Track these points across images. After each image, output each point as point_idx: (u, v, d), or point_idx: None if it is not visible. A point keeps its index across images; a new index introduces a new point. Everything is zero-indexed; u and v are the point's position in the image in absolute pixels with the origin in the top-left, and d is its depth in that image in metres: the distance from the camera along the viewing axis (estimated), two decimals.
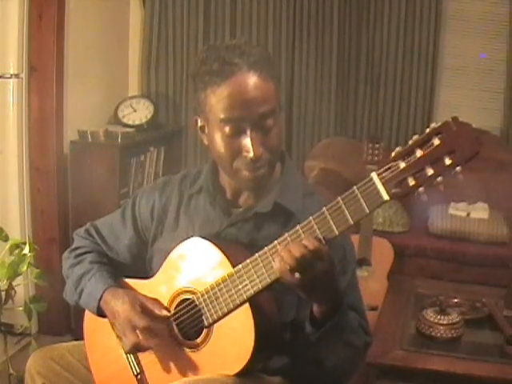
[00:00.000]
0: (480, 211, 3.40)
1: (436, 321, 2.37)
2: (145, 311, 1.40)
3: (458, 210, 3.41)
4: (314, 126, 3.90)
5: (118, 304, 1.43)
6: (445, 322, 2.36)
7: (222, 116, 1.34)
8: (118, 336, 1.45)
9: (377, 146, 2.85)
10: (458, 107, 3.85)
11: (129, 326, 1.39)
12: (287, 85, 3.86)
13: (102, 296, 1.47)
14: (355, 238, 2.76)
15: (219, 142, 1.37)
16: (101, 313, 1.49)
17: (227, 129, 1.35)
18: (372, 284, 2.77)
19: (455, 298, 2.64)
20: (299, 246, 1.19)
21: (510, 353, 2.26)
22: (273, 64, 1.41)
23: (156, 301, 1.43)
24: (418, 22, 3.70)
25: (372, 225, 2.96)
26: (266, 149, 1.36)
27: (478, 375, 2.18)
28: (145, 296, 1.45)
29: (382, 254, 2.99)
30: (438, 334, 2.35)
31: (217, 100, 1.34)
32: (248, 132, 1.34)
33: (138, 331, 1.38)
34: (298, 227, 1.23)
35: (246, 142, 1.34)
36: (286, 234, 1.24)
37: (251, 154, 1.33)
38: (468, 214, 3.40)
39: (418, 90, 3.78)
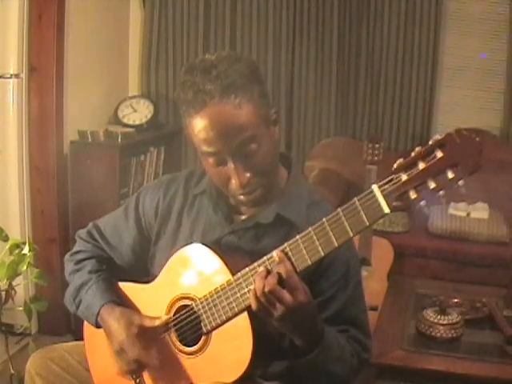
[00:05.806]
0: (480, 211, 3.40)
1: (436, 321, 2.37)
2: (140, 336, 1.39)
3: (457, 210, 3.41)
4: (314, 126, 3.90)
5: (113, 325, 1.43)
6: (445, 322, 2.36)
7: (202, 149, 1.33)
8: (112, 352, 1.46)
9: (377, 146, 2.84)
10: (458, 107, 3.86)
11: (121, 351, 1.41)
12: (287, 85, 3.86)
13: (99, 312, 1.46)
14: (355, 238, 2.74)
15: (209, 169, 1.38)
16: (99, 326, 1.48)
17: (210, 160, 1.34)
18: (372, 284, 2.77)
19: (455, 298, 2.64)
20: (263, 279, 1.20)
21: (510, 353, 2.26)
22: (257, 79, 1.32)
23: (153, 320, 1.41)
24: (418, 22, 3.70)
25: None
26: (254, 172, 1.32)
27: (477, 375, 2.18)
28: (141, 316, 1.43)
29: (382, 253, 2.98)
30: (438, 334, 2.35)
31: (194, 132, 1.32)
32: (229, 162, 1.32)
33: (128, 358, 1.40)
34: (297, 237, 1.22)
35: (230, 171, 1.32)
36: (286, 244, 1.23)
37: (237, 183, 1.32)
38: (468, 214, 3.40)
39: (418, 90, 3.78)
